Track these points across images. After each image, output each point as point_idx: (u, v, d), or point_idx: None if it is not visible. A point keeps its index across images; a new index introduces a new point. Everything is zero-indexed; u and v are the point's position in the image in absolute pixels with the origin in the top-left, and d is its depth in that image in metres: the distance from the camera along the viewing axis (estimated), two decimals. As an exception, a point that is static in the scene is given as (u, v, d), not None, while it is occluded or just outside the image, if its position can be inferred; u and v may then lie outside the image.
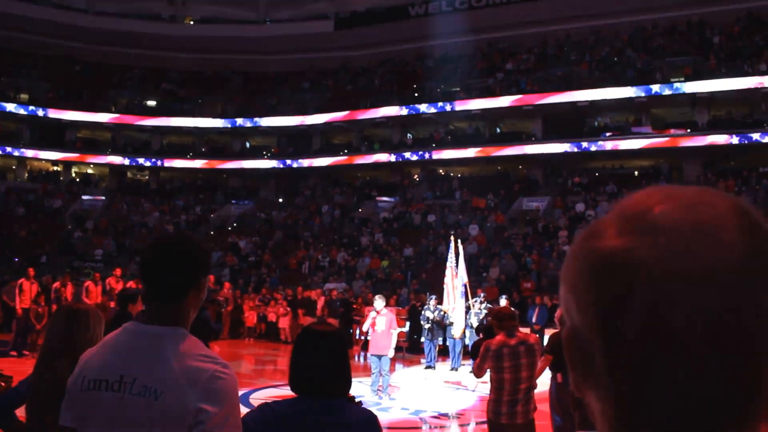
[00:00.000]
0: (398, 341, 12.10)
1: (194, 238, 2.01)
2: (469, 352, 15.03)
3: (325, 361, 2.36)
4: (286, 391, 2.41)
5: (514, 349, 5.31)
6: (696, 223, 0.55)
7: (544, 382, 5.79)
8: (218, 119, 35.76)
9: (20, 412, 3.26)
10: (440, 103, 31.15)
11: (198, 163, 35.80)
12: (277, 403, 2.37)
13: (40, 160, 36.10)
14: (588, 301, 0.57)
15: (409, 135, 33.48)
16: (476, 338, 14.70)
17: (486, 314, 14.74)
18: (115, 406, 1.73)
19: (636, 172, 28.67)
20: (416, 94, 32.61)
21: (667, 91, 27.14)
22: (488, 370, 5.44)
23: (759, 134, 25.18)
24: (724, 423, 0.53)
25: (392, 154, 32.08)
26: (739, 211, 0.56)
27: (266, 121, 34.89)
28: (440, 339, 15.55)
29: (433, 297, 15.80)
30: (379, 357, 10.62)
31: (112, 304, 13.22)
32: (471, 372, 12.91)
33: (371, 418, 2.34)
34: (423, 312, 15.53)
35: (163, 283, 1.85)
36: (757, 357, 0.52)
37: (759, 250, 0.54)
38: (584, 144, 28.28)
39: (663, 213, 0.56)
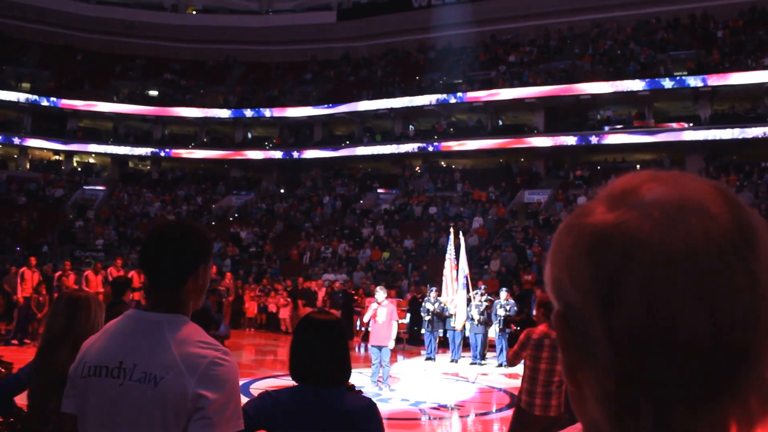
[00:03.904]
0: (399, 333, 12.12)
1: (196, 225, 1.98)
2: (468, 344, 15.12)
3: (324, 349, 2.36)
4: (287, 381, 2.42)
5: (555, 342, 5.30)
6: (683, 197, 0.57)
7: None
8: (220, 109, 35.72)
9: (21, 400, 3.27)
10: (442, 95, 31.08)
11: (199, 154, 35.79)
12: (277, 392, 2.38)
13: (42, 149, 36.12)
14: (584, 277, 0.58)
15: (411, 127, 33.45)
16: (476, 329, 14.76)
17: (487, 306, 14.78)
18: (115, 393, 1.72)
19: (638, 166, 28.60)
20: (419, 86, 32.55)
21: (669, 85, 27.08)
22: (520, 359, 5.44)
23: (762, 129, 25.14)
24: (720, 391, 0.54)
25: (394, 146, 32.07)
26: (718, 188, 0.59)
27: (268, 112, 34.86)
28: (440, 331, 15.59)
29: (434, 289, 15.83)
30: (380, 348, 10.64)
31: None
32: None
33: (371, 406, 2.35)
34: (423, 304, 15.56)
35: (159, 270, 1.85)
36: (750, 320, 0.54)
37: (741, 220, 0.57)
38: (586, 137, 28.24)
39: (650, 190, 0.59)
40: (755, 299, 0.54)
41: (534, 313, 16.14)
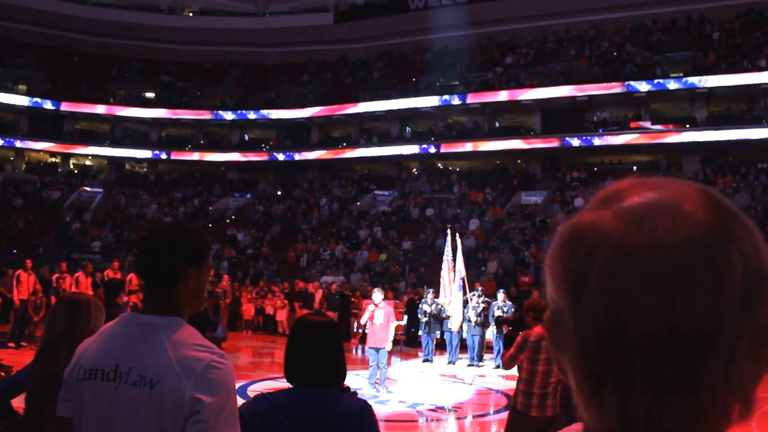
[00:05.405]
0: (396, 334, 12.13)
1: (188, 226, 1.97)
2: (465, 346, 15.11)
3: (318, 351, 2.37)
4: (284, 384, 2.43)
5: None
6: (659, 199, 0.59)
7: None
8: (217, 111, 35.70)
9: (18, 403, 3.27)
10: (439, 97, 31.10)
11: (196, 156, 35.76)
12: (272, 394, 2.38)
13: (38, 151, 36.06)
14: (558, 271, 0.62)
15: (408, 128, 33.46)
16: (473, 331, 14.76)
17: (484, 308, 14.79)
18: (110, 396, 1.72)
19: (634, 167, 28.69)
20: (416, 88, 32.56)
21: (666, 86, 27.12)
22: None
23: (758, 130, 25.19)
24: (684, 384, 0.55)
25: (391, 147, 32.09)
26: (703, 192, 0.61)
27: (265, 114, 34.85)
28: (437, 332, 15.59)
29: (431, 291, 15.83)
30: (377, 350, 10.65)
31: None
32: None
33: (365, 407, 2.35)
34: (420, 305, 15.56)
35: (150, 271, 1.85)
36: (712, 317, 0.55)
37: (719, 222, 0.57)
38: (583, 139, 28.28)
39: (633, 193, 0.61)
40: (720, 296, 0.55)
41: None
